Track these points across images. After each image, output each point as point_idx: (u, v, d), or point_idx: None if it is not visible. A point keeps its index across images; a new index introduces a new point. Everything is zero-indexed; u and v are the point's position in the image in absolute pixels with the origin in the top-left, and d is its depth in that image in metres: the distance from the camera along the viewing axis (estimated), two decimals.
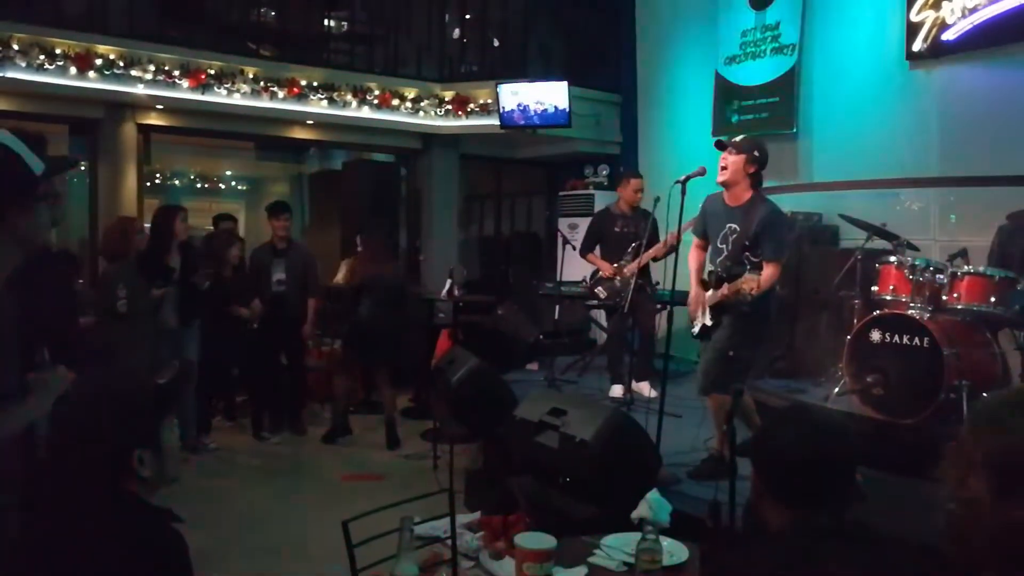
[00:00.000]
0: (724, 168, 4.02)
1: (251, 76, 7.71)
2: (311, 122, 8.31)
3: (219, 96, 7.52)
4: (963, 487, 1.33)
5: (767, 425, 1.69)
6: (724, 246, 4.11)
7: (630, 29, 8.87)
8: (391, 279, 6.24)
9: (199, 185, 12.34)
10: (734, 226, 4.05)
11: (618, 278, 5.86)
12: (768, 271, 3.91)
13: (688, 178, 4.09)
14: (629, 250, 5.86)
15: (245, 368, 6.50)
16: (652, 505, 2.10)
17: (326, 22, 9.34)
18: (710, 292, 4.10)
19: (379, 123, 8.50)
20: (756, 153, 4.00)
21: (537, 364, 7.19)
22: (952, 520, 1.34)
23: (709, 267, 4.27)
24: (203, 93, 7.43)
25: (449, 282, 6.85)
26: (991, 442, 1.30)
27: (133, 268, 5.23)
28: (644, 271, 5.93)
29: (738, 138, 4.13)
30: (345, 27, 9.46)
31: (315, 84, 8.03)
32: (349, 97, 8.21)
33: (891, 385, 4.53)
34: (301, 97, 7.95)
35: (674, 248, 4.50)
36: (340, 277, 8.24)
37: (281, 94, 7.86)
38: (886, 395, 4.55)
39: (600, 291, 6.11)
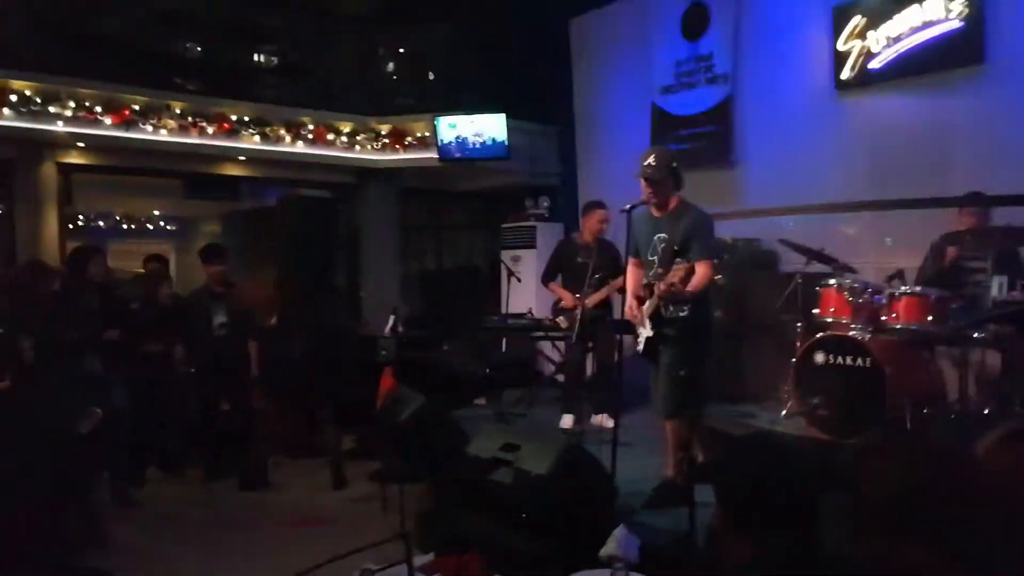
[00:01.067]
0: (653, 193, 4.08)
1: (178, 111, 7.49)
2: (243, 158, 8.10)
3: (144, 132, 7.28)
4: (858, 534, 1.35)
5: (728, 455, 1.62)
6: (655, 257, 4.12)
7: (566, 60, 8.95)
8: (312, 316, 6.05)
9: (125, 226, 11.91)
10: (662, 235, 4.08)
11: (579, 309, 5.82)
12: (701, 270, 3.90)
13: (634, 206, 4.09)
14: (591, 281, 5.83)
15: (184, 415, 6.18)
16: (620, 541, 2.00)
17: (255, 56, 9.17)
18: (647, 304, 4.08)
19: (314, 158, 8.35)
20: (673, 165, 4.07)
21: (485, 399, 7.06)
22: None
23: (644, 281, 4.25)
24: (127, 130, 7.17)
25: (392, 319, 6.69)
26: (871, 492, 1.33)
27: (46, 314, 4.93)
28: (605, 302, 5.90)
29: (648, 162, 4.09)
30: (275, 61, 9.30)
31: (246, 119, 7.85)
32: (282, 132, 8.06)
33: (836, 406, 4.56)
34: (232, 133, 7.76)
35: None
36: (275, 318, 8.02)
37: (211, 130, 7.66)
38: (831, 416, 4.58)
39: (561, 321, 6.08)
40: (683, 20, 7.47)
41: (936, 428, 4.31)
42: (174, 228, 12.65)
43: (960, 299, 4.62)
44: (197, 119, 7.60)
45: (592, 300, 5.80)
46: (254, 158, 8.15)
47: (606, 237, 5.93)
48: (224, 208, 11.75)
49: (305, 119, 8.26)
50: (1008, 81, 5.38)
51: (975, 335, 4.38)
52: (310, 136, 8.25)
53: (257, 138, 7.94)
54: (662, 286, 3.84)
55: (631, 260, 4.36)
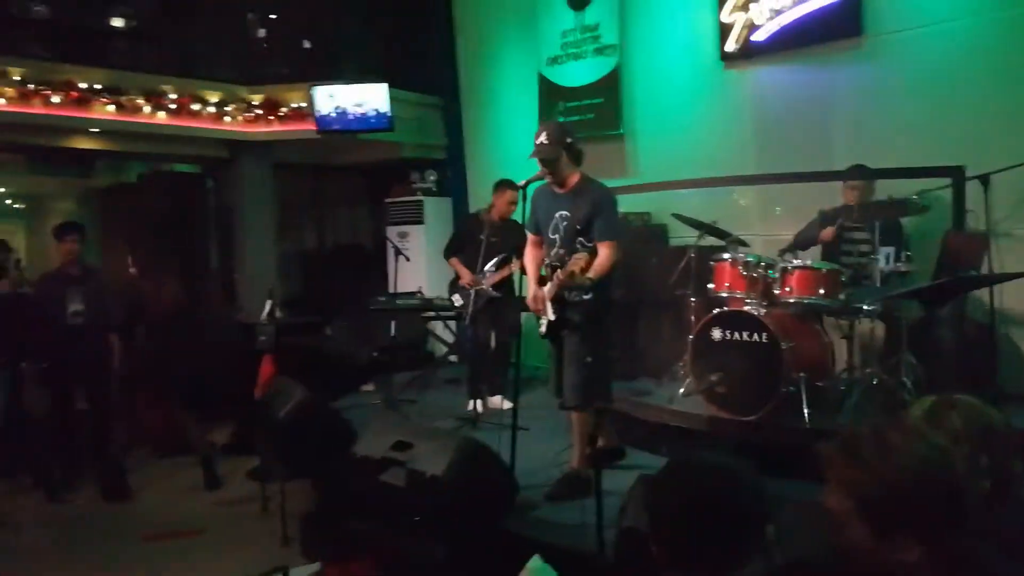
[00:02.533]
0: (548, 172, 3.92)
1: (17, 78, 6.67)
2: (96, 130, 7.35)
3: None
4: (842, 536, 1.26)
5: (666, 485, 1.41)
6: (556, 235, 3.97)
7: (449, 29, 8.60)
8: (171, 303, 5.52)
9: None
10: (564, 212, 3.92)
11: (476, 289, 5.57)
12: (604, 252, 3.77)
13: (528, 182, 3.92)
14: (493, 261, 5.63)
15: (29, 415, 5.54)
16: (534, 573, 1.79)
17: (109, 17, 8.33)
18: (548, 286, 3.93)
19: (178, 130, 7.66)
20: (569, 141, 3.89)
21: (373, 384, 6.74)
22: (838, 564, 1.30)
23: (546, 261, 4.12)
24: None
25: (269, 303, 6.24)
26: (862, 486, 1.24)
27: None
28: (508, 283, 5.70)
29: (540, 140, 3.92)
30: (133, 23, 8.47)
31: (98, 86, 7.09)
32: (140, 101, 7.33)
33: (734, 382, 4.53)
34: (81, 102, 6.99)
35: None
36: None
37: (57, 99, 6.87)
38: (729, 393, 4.54)
39: (456, 299, 5.92)
40: None
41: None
42: (23, 207, 11.54)
43: (850, 269, 4.66)
44: (40, 87, 6.81)
45: (490, 281, 5.60)
46: (109, 130, 7.39)
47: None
48: (80, 185, 10.80)
49: (166, 87, 7.56)
50: (884, 54, 5.47)
51: (865, 307, 4.42)
52: (173, 106, 7.56)
53: (111, 108, 7.20)
54: (561, 275, 3.68)
55: (531, 237, 4.22)
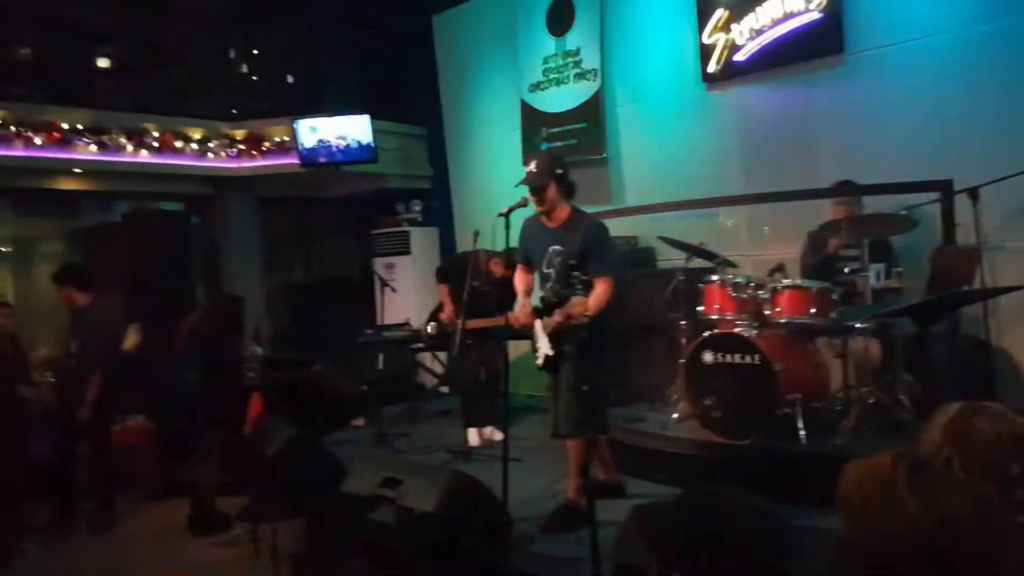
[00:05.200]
0: (537, 201, 3.90)
1: (0, 120, 6.64)
2: (79, 170, 7.31)
3: None
4: None
5: (696, 520, 1.30)
6: (551, 270, 3.96)
7: (430, 59, 8.62)
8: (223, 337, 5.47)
9: None
10: (558, 247, 3.92)
11: (456, 324, 5.51)
12: (600, 288, 3.77)
13: (511, 210, 3.87)
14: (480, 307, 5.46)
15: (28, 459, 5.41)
16: None
17: (91, 57, 8.32)
18: (544, 320, 3.88)
19: (161, 168, 7.64)
20: (559, 172, 3.88)
21: (364, 419, 6.64)
22: None
23: (540, 293, 4.10)
24: None
25: (253, 339, 6.16)
26: (871, 552, 1.13)
27: None
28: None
29: (530, 168, 3.92)
30: (114, 63, 8.47)
31: (80, 127, 7.06)
32: (123, 140, 7.31)
33: (728, 406, 4.45)
34: (64, 142, 6.96)
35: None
36: (129, 343, 7.28)
37: (39, 140, 6.84)
38: (724, 416, 4.47)
39: (432, 328, 5.97)
40: (548, 15, 7.29)
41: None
42: (9, 250, 11.45)
43: (841, 287, 4.60)
44: (22, 128, 6.79)
45: (471, 325, 5.51)
46: (93, 170, 7.36)
47: None
48: (67, 226, 10.75)
49: (149, 126, 7.55)
50: (866, 70, 5.46)
51: (857, 325, 4.37)
52: (155, 144, 7.54)
53: (94, 148, 7.17)
54: (558, 317, 3.68)
55: (519, 267, 4.22)
